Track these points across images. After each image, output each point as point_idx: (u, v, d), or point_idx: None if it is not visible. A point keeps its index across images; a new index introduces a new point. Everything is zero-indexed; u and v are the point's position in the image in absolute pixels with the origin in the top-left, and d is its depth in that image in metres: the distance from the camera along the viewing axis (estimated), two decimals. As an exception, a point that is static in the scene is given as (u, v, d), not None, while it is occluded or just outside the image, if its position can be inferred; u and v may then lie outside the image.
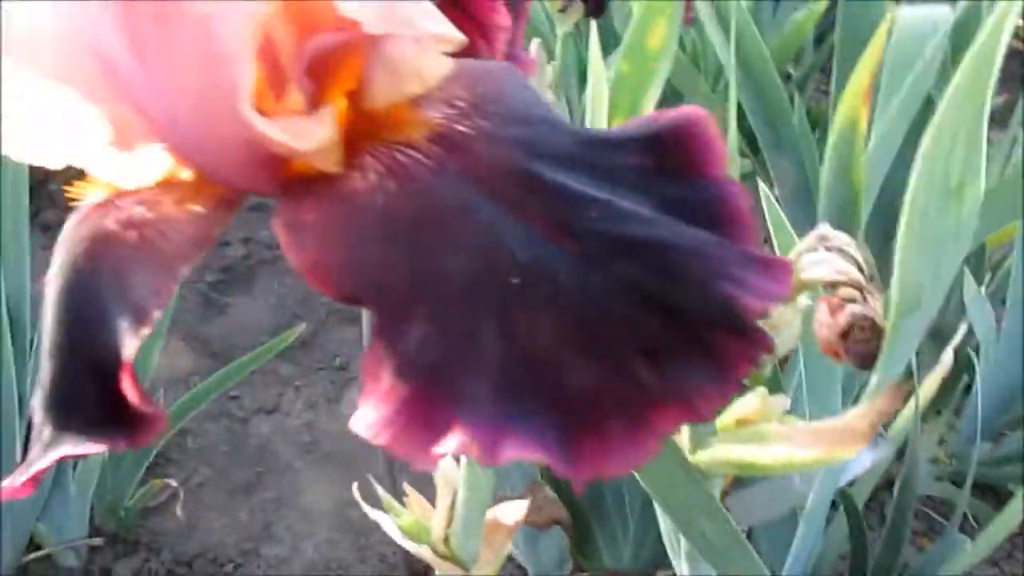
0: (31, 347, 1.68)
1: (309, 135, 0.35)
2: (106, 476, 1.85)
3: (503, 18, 0.49)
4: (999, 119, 2.17)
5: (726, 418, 0.67)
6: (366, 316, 1.72)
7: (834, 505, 1.39)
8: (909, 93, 1.42)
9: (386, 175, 0.38)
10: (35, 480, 0.47)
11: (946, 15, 1.46)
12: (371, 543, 1.96)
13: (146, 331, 0.41)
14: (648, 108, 1.20)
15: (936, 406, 1.91)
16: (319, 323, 2.51)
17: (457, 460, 0.71)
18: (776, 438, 0.60)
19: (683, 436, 0.69)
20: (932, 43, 1.42)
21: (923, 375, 1.46)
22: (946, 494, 1.86)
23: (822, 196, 1.09)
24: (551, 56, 1.63)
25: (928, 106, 1.60)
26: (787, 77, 3.13)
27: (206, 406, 1.99)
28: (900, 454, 1.47)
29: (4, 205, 1.52)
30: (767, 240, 1.08)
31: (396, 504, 0.77)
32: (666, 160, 0.39)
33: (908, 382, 1.07)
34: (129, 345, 0.40)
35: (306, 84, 0.38)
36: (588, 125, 1.06)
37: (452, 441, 0.32)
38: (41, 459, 0.44)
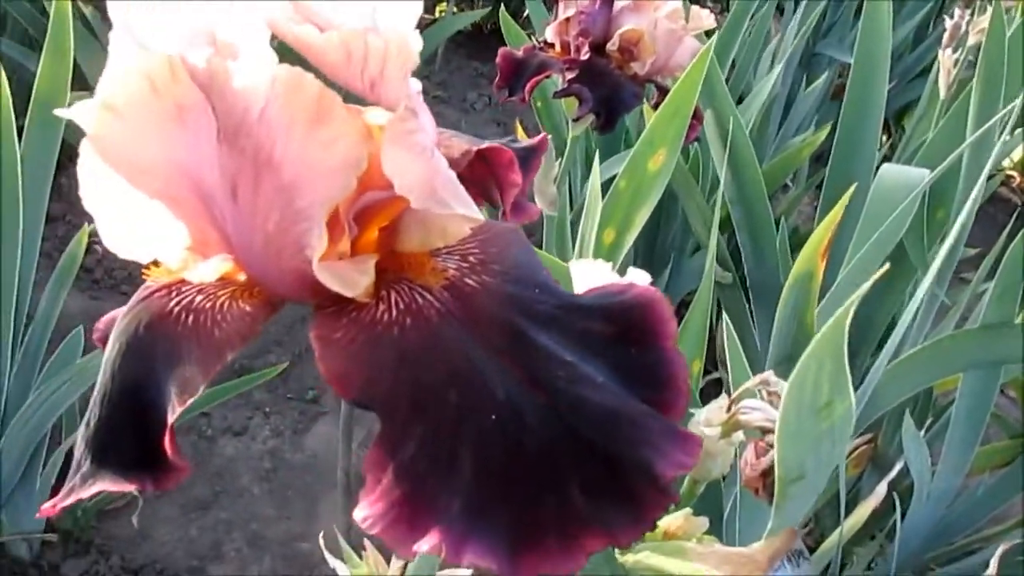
0: (15, 335, 1.73)
1: (356, 284, 0.45)
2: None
3: (517, 178, 0.60)
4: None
5: (656, 529, 0.76)
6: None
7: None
8: (879, 240, 1.53)
9: (404, 311, 0.47)
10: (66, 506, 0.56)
11: (922, 175, 1.59)
12: (315, 578, 2.02)
13: (191, 400, 0.50)
14: (639, 223, 1.30)
15: (872, 529, 2.01)
16: (298, 355, 2.59)
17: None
18: (692, 555, 0.70)
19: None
20: (908, 198, 1.54)
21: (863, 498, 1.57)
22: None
23: (775, 328, 1.18)
24: (559, 153, 1.75)
25: (900, 249, 1.73)
26: (785, 187, 3.27)
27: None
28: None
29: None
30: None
31: (355, 556, 0.86)
32: (628, 330, 0.50)
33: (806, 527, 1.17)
34: (175, 410, 0.50)
35: (352, 226, 0.48)
36: (580, 236, 1.16)
37: (427, 542, 0.41)
38: (82, 489, 0.53)
